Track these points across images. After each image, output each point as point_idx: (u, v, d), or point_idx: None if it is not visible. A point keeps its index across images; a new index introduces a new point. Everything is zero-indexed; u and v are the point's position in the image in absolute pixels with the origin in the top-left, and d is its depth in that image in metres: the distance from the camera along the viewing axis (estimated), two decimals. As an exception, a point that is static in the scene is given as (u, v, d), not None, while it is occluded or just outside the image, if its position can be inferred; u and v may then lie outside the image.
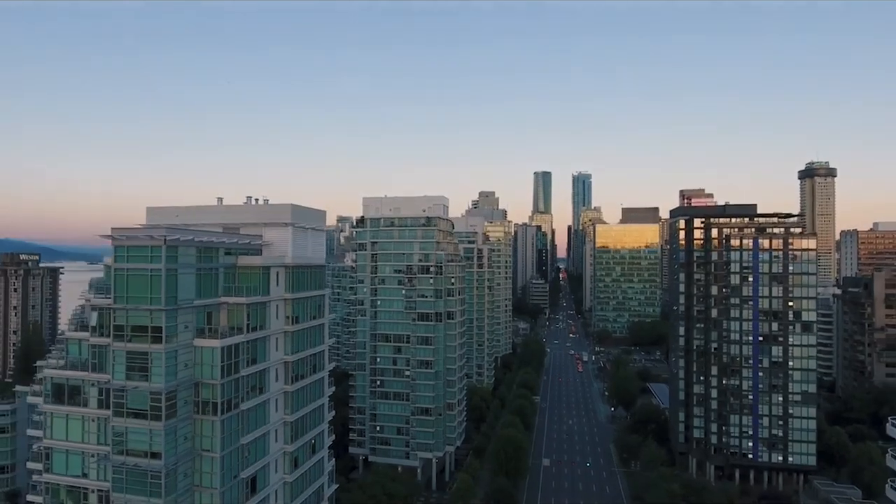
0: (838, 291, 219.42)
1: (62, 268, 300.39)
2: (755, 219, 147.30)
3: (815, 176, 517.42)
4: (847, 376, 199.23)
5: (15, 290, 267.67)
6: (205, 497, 52.64)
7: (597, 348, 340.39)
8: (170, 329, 49.70)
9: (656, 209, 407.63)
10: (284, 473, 63.85)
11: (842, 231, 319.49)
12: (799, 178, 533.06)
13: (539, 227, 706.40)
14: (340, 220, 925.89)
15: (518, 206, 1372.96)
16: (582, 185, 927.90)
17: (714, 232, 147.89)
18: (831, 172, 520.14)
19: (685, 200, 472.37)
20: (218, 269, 55.44)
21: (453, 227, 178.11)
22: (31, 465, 57.43)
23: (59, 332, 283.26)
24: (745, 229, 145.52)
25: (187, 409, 52.09)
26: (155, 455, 49.36)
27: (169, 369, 49.45)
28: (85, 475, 52.63)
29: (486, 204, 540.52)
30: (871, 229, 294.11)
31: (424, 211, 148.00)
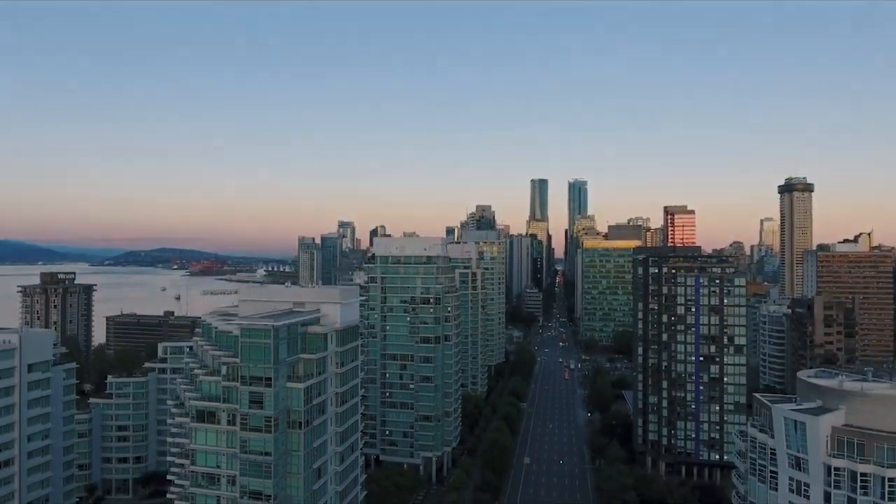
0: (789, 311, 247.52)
1: (95, 285, 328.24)
2: (698, 259, 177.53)
3: (793, 191, 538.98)
4: (794, 386, 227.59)
5: (55, 306, 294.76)
6: (293, 480, 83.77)
7: (583, 356, 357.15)
8: (275, 378, 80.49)
9: (639, 226, 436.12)
10: (336, 466, 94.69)
11: (804, 251, 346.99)
12: (778, 193, 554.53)
13: (534, 236, 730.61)
14: (342, 225, 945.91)
15: (516, 210, 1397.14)
16: (578, 192, 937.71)
17: (665, 269, 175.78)
18: (809, 187, 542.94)
19: (668, 216, 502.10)
20: (297, 337, 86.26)
21: (450, 261, 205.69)
22: (177, 460, 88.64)
23: (94, 344, 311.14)
24: (690, 268, 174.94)
25: (283, 426, 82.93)
26: (267, 454, 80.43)
27: (275, 402, 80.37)
28: (218, 466, 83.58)
29: (483, 217, 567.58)
30: (829, 250, 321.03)
31: (425, 250, 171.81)
